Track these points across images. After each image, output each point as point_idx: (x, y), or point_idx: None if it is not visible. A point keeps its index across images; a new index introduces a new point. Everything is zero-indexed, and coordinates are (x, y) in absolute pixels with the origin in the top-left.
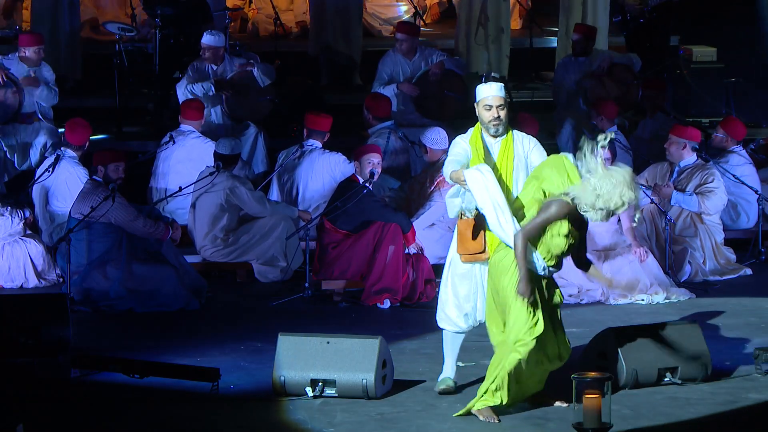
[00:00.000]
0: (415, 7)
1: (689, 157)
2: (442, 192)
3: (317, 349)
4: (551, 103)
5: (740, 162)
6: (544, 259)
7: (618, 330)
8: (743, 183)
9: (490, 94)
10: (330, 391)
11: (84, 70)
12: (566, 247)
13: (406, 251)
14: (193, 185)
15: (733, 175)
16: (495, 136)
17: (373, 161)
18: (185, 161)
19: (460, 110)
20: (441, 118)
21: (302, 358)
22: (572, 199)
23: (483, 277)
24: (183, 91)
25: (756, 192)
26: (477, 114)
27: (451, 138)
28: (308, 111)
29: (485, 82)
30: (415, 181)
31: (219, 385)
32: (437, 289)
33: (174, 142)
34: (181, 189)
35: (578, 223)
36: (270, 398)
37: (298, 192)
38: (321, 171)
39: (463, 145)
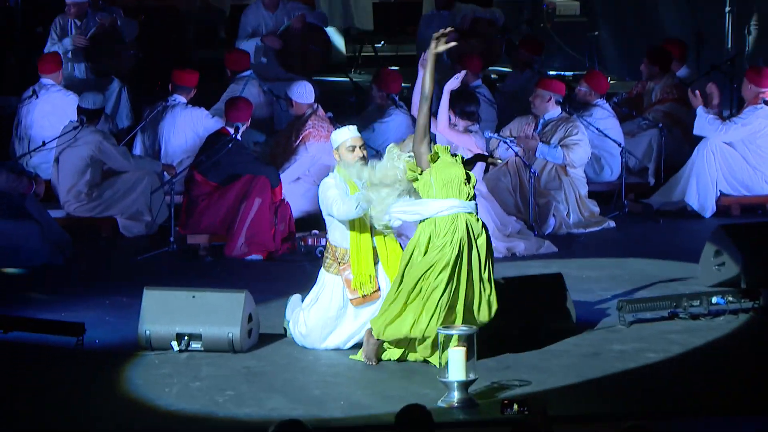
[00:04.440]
0: None
1: (554, 110)
2: (308, 146)
3: (183, 303)
4: (416, 58)
5: (603, 115)
6: (460, 197)
7: None
8: (606, 136)
9: (349, 136)
10: (196, 345)
11: None
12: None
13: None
14: (56, 140)
15: (597, 129)
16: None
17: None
18: (49, 115)
19: (323, 64)
20: (304, 73)
21: (167, 312)
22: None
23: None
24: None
25: (619, 145)
26: (338, 158)
27: (316, 92)
28: (174, 67)
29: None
30: (281, 135)
31: (84, 339)
32: (300, 243)
33: (37, 97)
34: (44, 143)
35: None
36: (135, 352)
37: (161, 147)
38: (184, 126)
39: (333, 182)
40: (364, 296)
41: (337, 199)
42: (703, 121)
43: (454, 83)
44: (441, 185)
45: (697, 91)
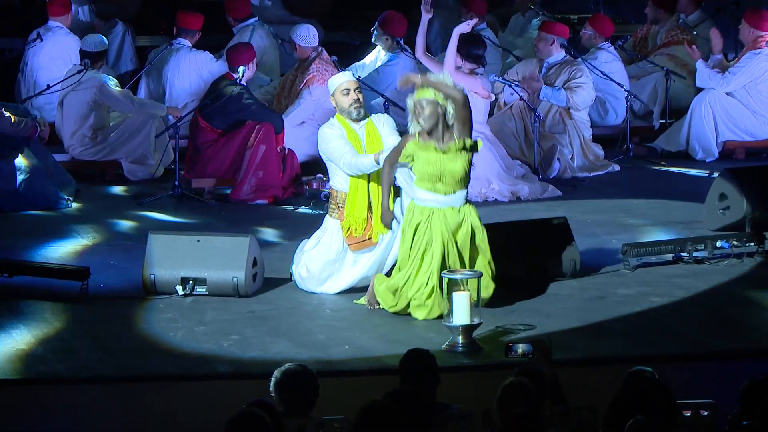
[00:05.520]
0: None
1: (558, 54)
2: (312, 90)
3: (187, 248)
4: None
5: (608, 59)
6: (435, 191)
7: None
8: (611, 79)
9: (344, 79)
10: (200, 289)
11: None
12: (439, 172)
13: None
14: (60, 83)
15: (602, 72)
16: (357, 120)
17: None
18: (56, 59)
19: (329, 7)
20: (309, 15)
21: (172, 257)
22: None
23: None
24: None
25: (624, 88)
26: (335, 104)
27: (321, 35)
28: (179, 9)
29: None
30: (286, 78)
31: (89, 284)
32: (305, 187)
33: (42, 40)
34: (48, 87)
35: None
36: (140, 297)
37: (165, 90)
38: (188, 69)
39: (335, 132)
40: (361, 241)
41: (347, 152)
42: (704, 76)
43: (464, 27)
44: (418, 179)
45: (694, 46)
